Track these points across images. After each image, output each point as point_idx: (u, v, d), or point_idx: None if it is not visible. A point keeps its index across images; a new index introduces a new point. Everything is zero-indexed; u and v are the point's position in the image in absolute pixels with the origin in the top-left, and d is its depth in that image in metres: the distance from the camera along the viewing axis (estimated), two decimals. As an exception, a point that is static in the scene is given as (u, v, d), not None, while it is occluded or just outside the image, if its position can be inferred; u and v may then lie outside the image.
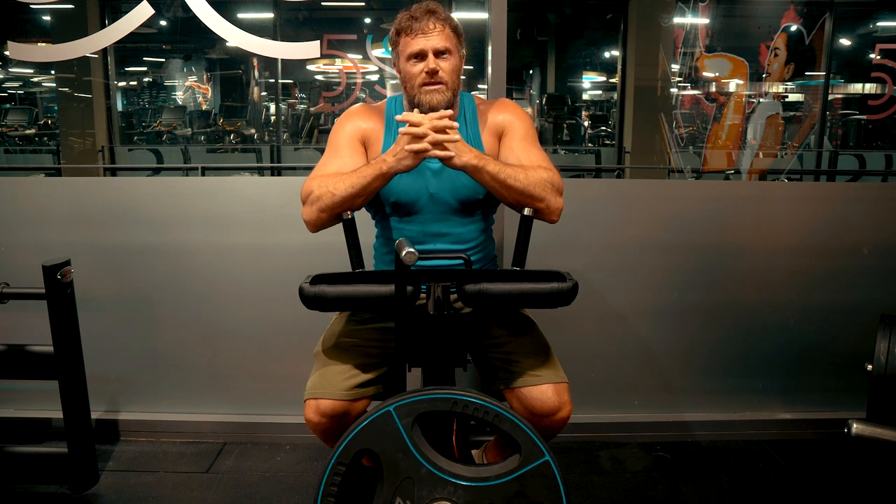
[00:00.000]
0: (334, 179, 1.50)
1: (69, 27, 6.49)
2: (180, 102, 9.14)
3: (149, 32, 7.59)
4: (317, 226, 1.54)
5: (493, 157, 1.60)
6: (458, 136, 1.42)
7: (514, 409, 1.45)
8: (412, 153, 1.42)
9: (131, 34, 2.23)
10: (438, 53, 1.55)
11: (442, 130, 1.41)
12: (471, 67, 6.57)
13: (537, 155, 1.58)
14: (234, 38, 2.27)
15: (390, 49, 1.62)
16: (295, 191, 1.60)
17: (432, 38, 1.54)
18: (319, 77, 7.80)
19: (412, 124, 1.42)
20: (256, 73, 8.35)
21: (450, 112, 1.47)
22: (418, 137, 1.40)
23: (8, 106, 9.46)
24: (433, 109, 1.53)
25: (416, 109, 1.53)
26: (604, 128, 9.17)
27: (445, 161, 1.44)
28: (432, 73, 1.54)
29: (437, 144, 1.41)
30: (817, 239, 2.36)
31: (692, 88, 3.18)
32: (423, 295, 1.45)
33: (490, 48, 2.10)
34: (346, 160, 1.57)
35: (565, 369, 1.57)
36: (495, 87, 2.12)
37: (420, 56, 1.55)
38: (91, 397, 1.96)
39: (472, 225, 1.64)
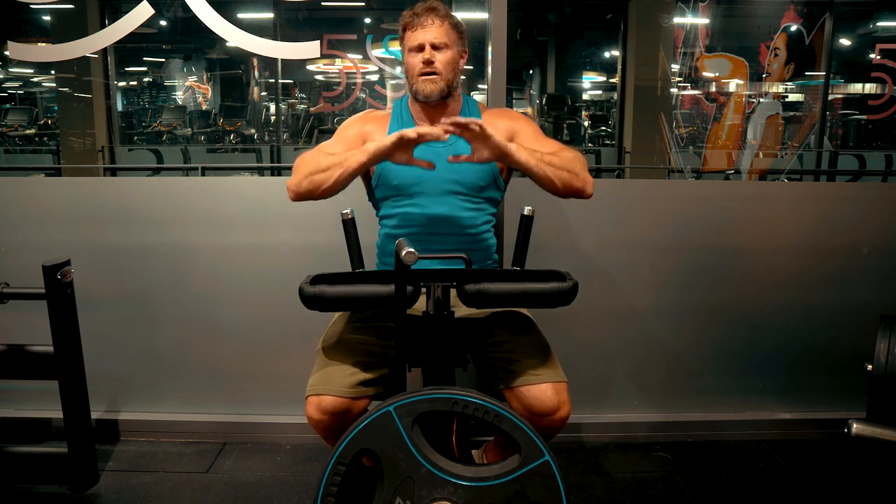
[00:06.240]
0: (326, 153, 1.58)
1: (69, 27, 6.48)
2: (180, 102, 9.12)
3: (149, 32, 7.57)
4: (298, 193, 1.57)
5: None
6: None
7: (513, 409, 1.45)
8: (401, 137, 1.42)
9: (131, 34, 2.23)
10: (435, 47, 1.65)
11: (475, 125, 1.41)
12: (471, 67, 6.55)
13: (554, 143, 1.65)
14: (234, 38, 2.27)
15: (400, 46, 1.72)
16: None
17: (430, 31, 1.64)
18: (319, 77, 7.81)
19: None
20: (256, 73, 8.34)
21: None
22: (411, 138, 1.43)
23: (8, 106, 9.44)
24: (428, 98, 1.65)
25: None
26: (604, 128, 9.17)
27: (484, 139, 1.42)
28: (428, 63, 1.64)
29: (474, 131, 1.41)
30: (817, 239, 2.36)
31: (692, 88, 3.19)
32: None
33: (490, 48, 2.10)
34: (344, 148, 1.62)
35: (565, 369, 1.57)
36: (495, 87, 2.11)
37: (419, 48, 1.65)
38: (91, 397, 1.96)
39: (475, 212, 1.67)
